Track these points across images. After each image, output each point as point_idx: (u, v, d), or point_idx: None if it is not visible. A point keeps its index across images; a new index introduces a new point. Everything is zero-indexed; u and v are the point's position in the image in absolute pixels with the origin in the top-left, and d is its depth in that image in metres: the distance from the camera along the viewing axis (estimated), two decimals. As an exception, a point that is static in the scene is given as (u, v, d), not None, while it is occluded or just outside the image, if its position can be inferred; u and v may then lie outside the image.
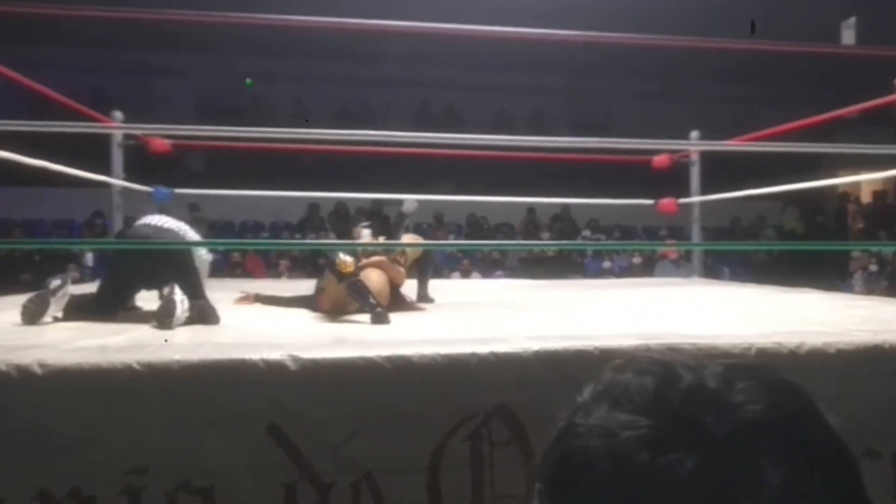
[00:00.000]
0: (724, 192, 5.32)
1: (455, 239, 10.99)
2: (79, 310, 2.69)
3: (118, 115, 4.72)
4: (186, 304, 2.59)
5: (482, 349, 1.82)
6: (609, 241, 11.19)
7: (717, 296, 4.26)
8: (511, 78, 13.08)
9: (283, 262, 9.74)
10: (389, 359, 1.76)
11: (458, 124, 11.91)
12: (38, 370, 1.65)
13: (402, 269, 3.34)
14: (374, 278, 3.08)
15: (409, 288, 3.51)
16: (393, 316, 2.79)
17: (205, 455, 1.67)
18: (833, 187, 11.87)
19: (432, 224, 10.84)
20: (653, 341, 1.92)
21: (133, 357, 1.71)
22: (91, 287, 3.17)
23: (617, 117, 13.12)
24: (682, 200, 5.50)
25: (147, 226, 2.89)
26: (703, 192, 5.45)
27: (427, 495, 1.73)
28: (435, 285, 3.87)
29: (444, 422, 1.75)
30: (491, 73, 12.84)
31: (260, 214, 11.58)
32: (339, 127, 7.09)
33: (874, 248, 9.97)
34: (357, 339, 2.13)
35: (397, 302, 3.24)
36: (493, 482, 1.76)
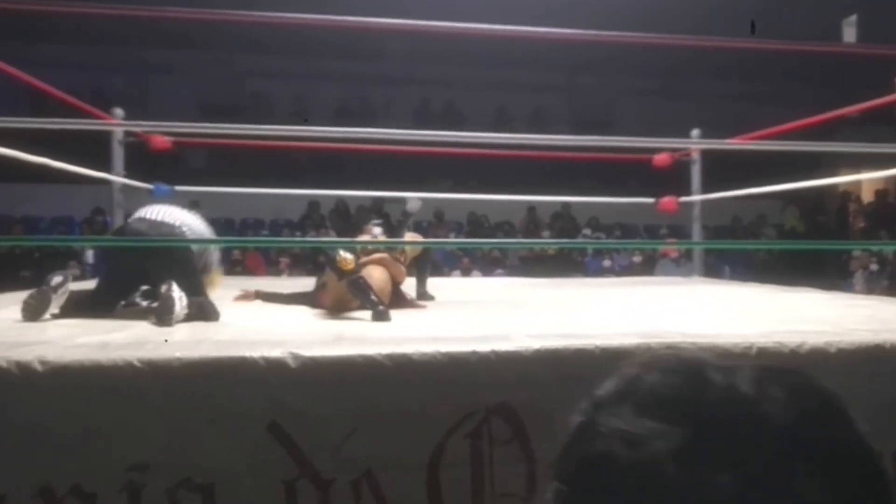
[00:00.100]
0: (725, 190, 5.32)
1: (455, 237, 10.98)
2: (76, 306, 2.68)
3: (119, 112, 4.72)
4: (185, 301, 2.57)
5: (483, 347, 1.82)
6: (609, 240, 11.17)
7: (718, 295, 4.26)
8: (511, 75, 13.05)
9: (284, 260, 9.75)
10: (390, 356, 1.76)
11: (458, 122, 11.90)
12: (38, 367, 1.65)
13: (402, 268, 3.35)
14: (376, 276, 3.08)
15: (409, 286, 3.52)
16: (393, 313, 2.78)
17: (205, 452, 1.67)
18: (834, 186, 11.85)
19: (432, 222, 10.84)
20: (653, 340, 1.92)
21: (133, 354, 1.71)
22: (91, 284, 3.16)
23: (618, 115, 13.09)
24: (683, 199, 5.49)
25: (143, 220, 2.86)
26: (704, 190, 5.44)
27: (427, 493, 1.73)
28: (435, 283, 3.88)
29: (444, 420, 1.74)
30: (491, 70, 12.80)
31: (260, 212, 11.56)
32: (339, 124, 7.09)
33: (875, 248, 9.96)
34: (357, 337, 2.14)
35: (398, 299, 3.24)
36: (493, 480, 1.75)
